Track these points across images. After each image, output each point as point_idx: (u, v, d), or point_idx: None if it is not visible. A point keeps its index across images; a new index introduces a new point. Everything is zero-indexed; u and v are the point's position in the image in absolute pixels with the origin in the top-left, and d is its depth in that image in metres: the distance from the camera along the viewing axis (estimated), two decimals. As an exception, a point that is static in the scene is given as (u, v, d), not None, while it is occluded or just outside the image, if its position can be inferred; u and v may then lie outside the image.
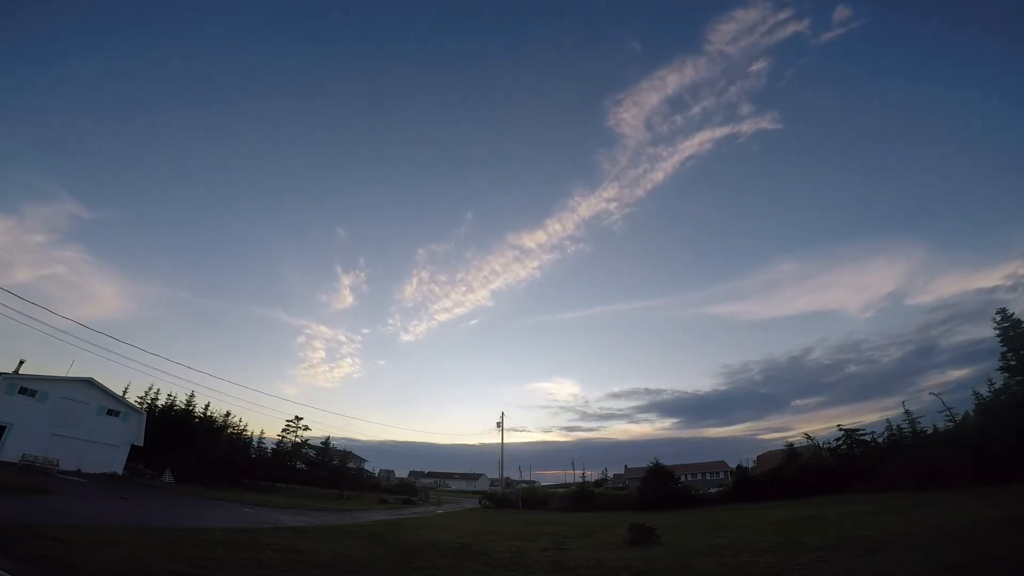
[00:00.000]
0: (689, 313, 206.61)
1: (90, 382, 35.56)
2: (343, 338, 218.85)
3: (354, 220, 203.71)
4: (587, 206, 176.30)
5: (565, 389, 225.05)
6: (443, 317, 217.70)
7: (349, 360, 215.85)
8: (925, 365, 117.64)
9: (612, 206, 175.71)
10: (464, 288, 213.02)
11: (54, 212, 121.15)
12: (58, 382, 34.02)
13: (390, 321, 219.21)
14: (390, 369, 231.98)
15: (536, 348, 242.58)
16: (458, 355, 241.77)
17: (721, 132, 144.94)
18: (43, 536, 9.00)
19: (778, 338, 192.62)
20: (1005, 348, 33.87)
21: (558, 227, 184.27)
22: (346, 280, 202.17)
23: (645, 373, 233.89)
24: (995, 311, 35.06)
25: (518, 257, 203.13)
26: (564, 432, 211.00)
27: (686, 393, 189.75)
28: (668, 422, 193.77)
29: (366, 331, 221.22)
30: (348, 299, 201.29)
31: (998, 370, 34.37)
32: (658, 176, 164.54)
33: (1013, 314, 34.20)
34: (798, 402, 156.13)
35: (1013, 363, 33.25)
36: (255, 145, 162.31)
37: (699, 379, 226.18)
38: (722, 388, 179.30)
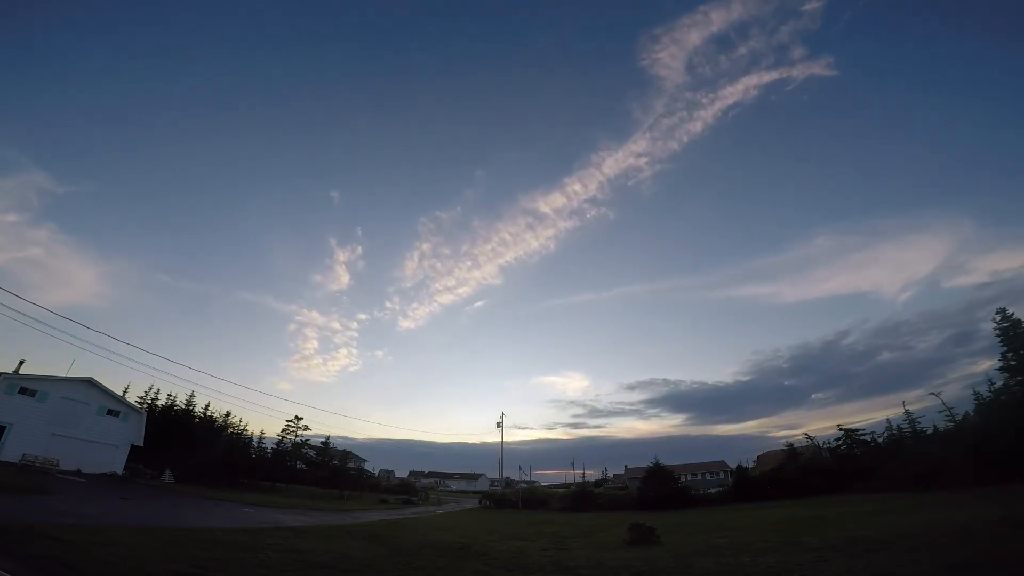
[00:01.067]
0: (714, 296, 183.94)
1: (90, 382, 35.54)
2: (337, 325, 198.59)
3: (350, 182, 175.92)
4: (613, 162, 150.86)
5: (573, 384, 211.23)
6: (446, 299, 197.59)
7: (344, 351, 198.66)
8: (960, 353, 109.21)
9: (642, 162, 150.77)
10: (469, 263, 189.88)
11: (22, 185, 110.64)
12: (58, 382, 34.00)
13: (388, 304, 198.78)
14: (388, 362, 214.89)
15: (545, 337, 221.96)
16: (460, 345, 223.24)
17: (769, 77, 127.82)
18: (43, 536, 8.99)
19: (807, 324, 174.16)
20: (1005, 348, 33.87)
21: (578, 188, 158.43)
22: (341, 255, 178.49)
23: (664, 363, 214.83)
24: (995, 311, 35.11)
25: (531, 225, 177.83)
26: (569, 429, 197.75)
27: (706, 385, 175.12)
28: (679, 418, 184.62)
29: (362, 317, 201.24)
30: (343, 278, 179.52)
31: (998, 370, 34.39)
32: (696, 127, 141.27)
33: (1013, 314, 34.20)
34: (818, 395, 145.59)
35: (1013, 363, 33.24)
36: (237, 101, 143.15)
37: (723, 368, 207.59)
38: (744, 379, 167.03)
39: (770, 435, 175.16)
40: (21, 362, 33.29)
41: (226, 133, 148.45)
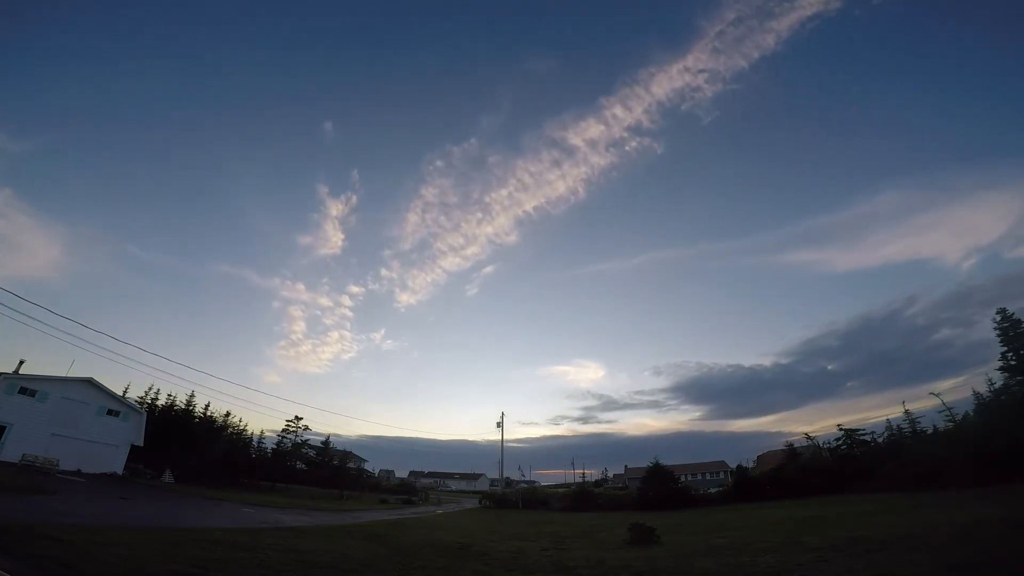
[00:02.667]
0: (757, 263, 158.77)
1: (90, 382, 35.55)
2: (326, 301, 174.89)
3: (348, 109, 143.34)
4: (666, 79, 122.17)
5: (587, 374, 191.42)
6: (451, 263, 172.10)
7: (336, 334, 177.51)
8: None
9: (701, 80, 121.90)
10: (480, 215, 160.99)
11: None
12: (58, 382, 34.00)
13: (384, 273, 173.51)
14: (385, 349, 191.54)
15: (560, 316, 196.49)
16: (465, 326, 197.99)
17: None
18: (43, 536, 8.99)
19: (858, 296, 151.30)
20: (1005, 348, 33.89)
21: (620, 112, 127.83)
22: (333, 208, 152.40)
23: (696, 344, 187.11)
24: (996, 310, 35.12)
25: (557, 161, 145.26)
26: (578, 424, 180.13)
27: (741, 368, 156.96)
28: (699, 410, 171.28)
29: (355, 290, 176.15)
30: (335, 239, 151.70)
31: (998, 370, 34.42)
32: (767, 41, 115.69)
33: (1013, 314, 34.23)
34: (852, 383, 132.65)
35: (1013, 363, 33.26)
36: (208, 19, 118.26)
37: (763, 348, 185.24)
38: (784, 362, 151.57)
39: (788, 429, 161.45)
40: (21, 362, 33.34)
41: (192, 56, 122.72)
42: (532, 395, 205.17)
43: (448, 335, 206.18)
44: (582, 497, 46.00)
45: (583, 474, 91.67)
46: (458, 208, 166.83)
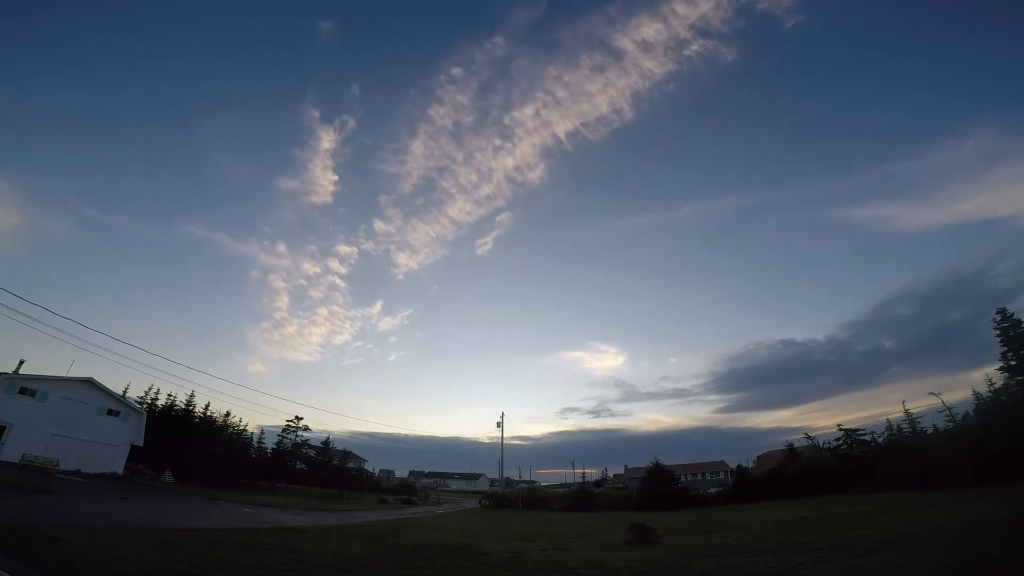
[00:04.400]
0: (819, 216, 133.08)
1: (90, 382, 35.56)
2: (313, 267, 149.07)
3: (347, 3, 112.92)
4: None
5: (604, 361, 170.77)
6: (460, 211, 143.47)
7: (324, 310, 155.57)
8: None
9: None
10: (498, 140, 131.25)
11: None
12: (58, 382, 34.01)
13: (381, 227, 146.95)
14: (380, 334, 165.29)
15: (580, 288, 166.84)
16: (473, 299, 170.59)
17: None
18: (43, 536, 9.00)
19: (928, 258, 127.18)
20: (1005, 348, 33.88)
21: (682, 7, 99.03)
22: (325, 138, 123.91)
23: (741, 317, 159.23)
24: (995, 311, 35.11)
25: (600, 67, 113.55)
26: (590, 417, 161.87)
27: (792, 344, 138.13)
28: (724, 401, 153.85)
29: (347, 250, 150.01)
30: (325, 183, 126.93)
31: (998, 370, 34.39)
32: None
33: (1013, 314, 34.22)
34: (898, 368, 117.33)
35: (1013, 363, 33.24)
36: None
37: (819, 321, 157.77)
38: (840, 337, 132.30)
39: (810, 423, 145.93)
40: (21, 362, 33.36)
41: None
42: (540, 385, 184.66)
43: (454, 308, 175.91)
44: (582, 497, 46.05)
45: (583, 474, 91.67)
46: (472, 132, 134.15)
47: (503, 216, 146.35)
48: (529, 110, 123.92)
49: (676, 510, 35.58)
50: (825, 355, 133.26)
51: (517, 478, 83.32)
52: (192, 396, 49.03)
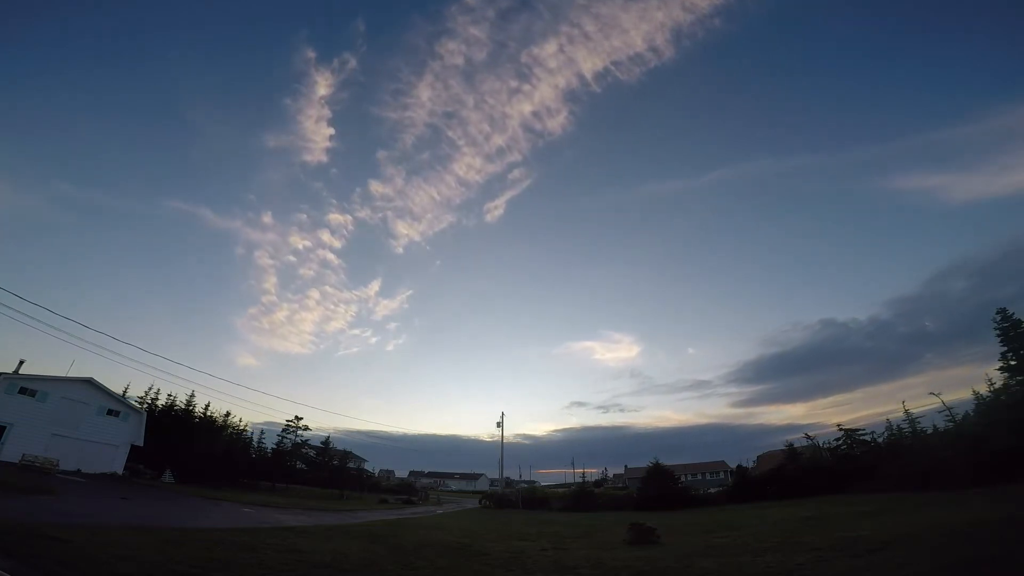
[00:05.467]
0: (860, 185, 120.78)
1: (90, 382, 35.56)
2: (302, 239, 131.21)
3: None
4: None
5: (617, 352, 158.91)
6: (468, 168, 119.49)
7: (316, 292, 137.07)
8: None
9: None
10: (514, 82, 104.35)
11: None
12: (58, 382, 34.02)
13: (378, 189, 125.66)
14: (377, 322, 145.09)
15: (594, 265, 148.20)
16: (479, 280, 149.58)
17: None
18: (43, 536, 9.00)
19: (982, 229, 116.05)
20: (1005, 348, 33.92)
21: None
22: (321, 83, 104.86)
23: (776, 294, 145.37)
24: (995, 311, 35.15)
25: None
26: (600, 412, 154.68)
27: (833, 324, 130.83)
28: (743, 393, 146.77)
29: (340, 219, 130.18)
30: (319, 137, 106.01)
31: (998, 370, 34.43)
32: None
33: (1013, 314, 34.26)
34: (930, 356, 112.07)
35: (1013, 363, 33.28)
36: None
37: (859, 298, 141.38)
38: (883, 317, 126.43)
39: (825, 420, 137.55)
40: (21, 362, 33.37)
41: None
42: (547, 379, 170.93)
43: (457, 289, 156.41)
44: (582, 497, 46.05)
45: (583, 473, 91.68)
46: (486, 70, 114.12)
47: (517, 173, 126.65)
48: (551, 46, 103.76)
49: (676, 510, 35.57)
50: (862, 339, 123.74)
51: (517, 478, 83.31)
52: (192, 396, 49.18)
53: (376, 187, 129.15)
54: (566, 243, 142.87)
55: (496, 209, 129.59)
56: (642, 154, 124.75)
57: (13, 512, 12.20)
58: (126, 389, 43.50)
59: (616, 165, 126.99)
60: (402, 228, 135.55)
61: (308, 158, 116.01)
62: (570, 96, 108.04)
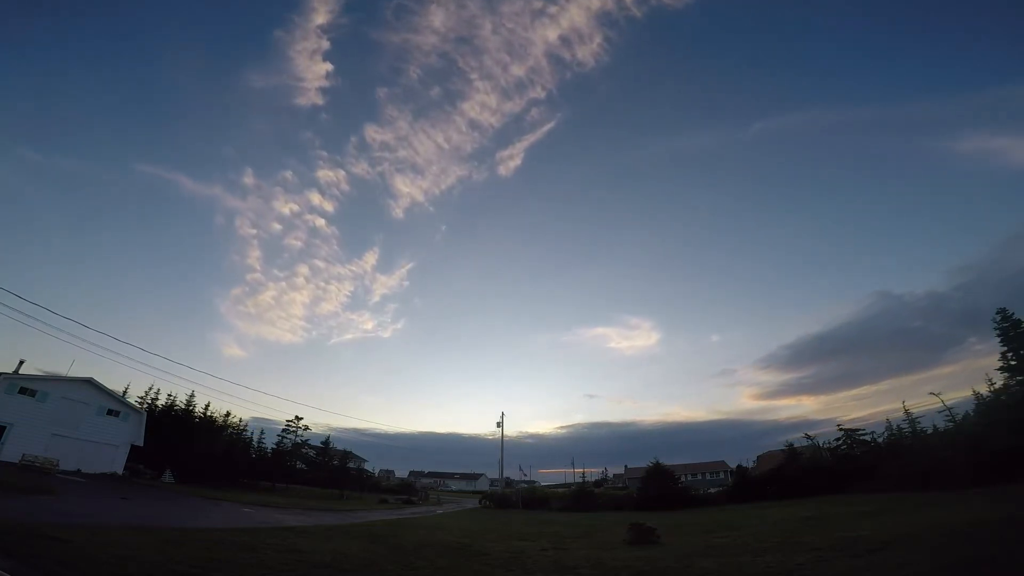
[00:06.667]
0: (912, 144, 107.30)
1: (90, 382, 35.57)
2: (288, 203, 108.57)
3: None
4: None
5: (634, 341, 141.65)
6: (481, 106, 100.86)
7: (305, 267, 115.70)
8: None
9: None
10: (540, 1, 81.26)
11: None
12: (58, 382, 34.05)
13: (376, 136, 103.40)
14: (375, 304, 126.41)
15: (611, 241, 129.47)
16: (487, 242, 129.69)
17: None
18: (43, 536, 9.00)
19: None
20: (1005, 348, 33.95)
21: None
22: (320, 7, 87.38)
23: (824, 270, 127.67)
24: (995, 311, 35.18)
25: None
26: (612, 405, 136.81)
27: (887, 297, 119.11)
28: (770, 385, 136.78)
29: (332, 176, 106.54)
30: (314, 75, 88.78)
31: (998, 370, 34.46)
32: None
33: (1013, 314, 34.30)
34: (973, 339, 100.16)
35: (1013, 363, 33.30)
36: None
37: (939, 261, 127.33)
38: (940, 290, 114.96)
39: (843, 415, 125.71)
40: (21, 362, 33.44)
41: None
42: (555, 371, 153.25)
43: (463, 264, 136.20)
44: (582, 497, 46.04)
45: (583, 473, 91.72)
46: None
47: (538, 114, 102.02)
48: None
49: (676, 510, 35.56)
50: (910, 317, 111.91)
51: (518, 478, 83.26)
52: (192, 396, 49.24)
53: (374, 133, 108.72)
54: (588, 206, 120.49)
55: (512, 159, 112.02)
56: (693, 94, 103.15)
57: (13, 512, 12.20)
58: (126, 389, 43.61)
59: (659, 107, 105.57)
60: (403, 185, 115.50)
61: (300, 101, 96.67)
62: (606, 19, 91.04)
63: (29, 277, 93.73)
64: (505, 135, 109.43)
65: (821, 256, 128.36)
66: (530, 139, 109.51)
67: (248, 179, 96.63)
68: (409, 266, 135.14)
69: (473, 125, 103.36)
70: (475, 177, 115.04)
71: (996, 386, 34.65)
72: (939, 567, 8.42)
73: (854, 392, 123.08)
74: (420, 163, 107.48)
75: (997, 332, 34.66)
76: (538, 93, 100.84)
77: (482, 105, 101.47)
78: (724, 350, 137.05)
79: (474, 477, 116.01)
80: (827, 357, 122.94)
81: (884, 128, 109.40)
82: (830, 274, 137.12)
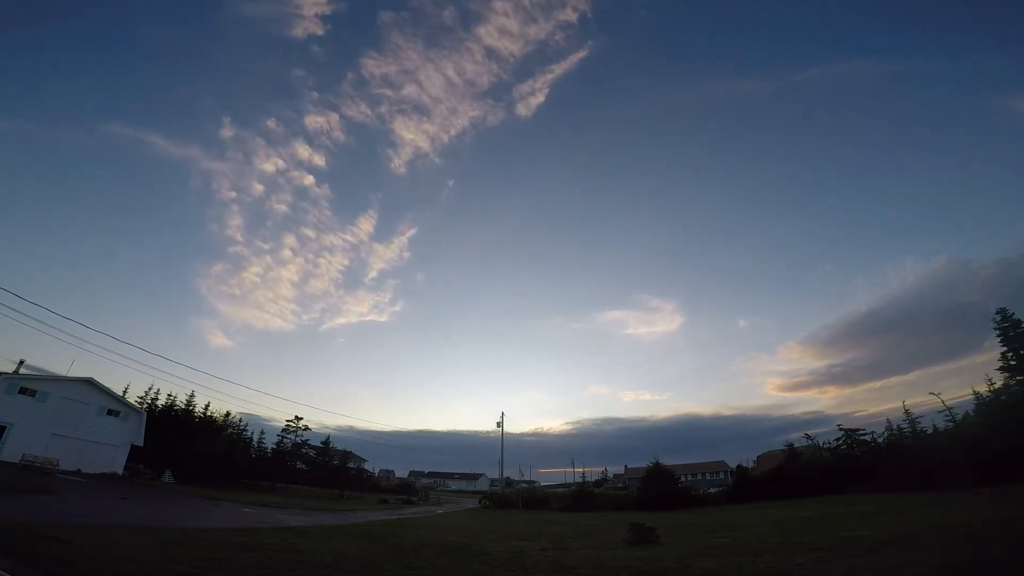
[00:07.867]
0: (980, 101, 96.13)
1: (90, 382, 35.57)
2: (271, 160, 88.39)
3: None
4: None
5: (656, 324, 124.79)
6: (501, 30, 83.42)
7: (292, 237, 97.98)
8: None
9: None
10: None
11: None
12: (58, 382, 34.05)
13: (374, 67, 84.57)
14: (371, 283, 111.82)
15: (625, 213, 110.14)
16: (499, 195, 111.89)
17: None
18: (43, 536, 9.00)
19: None
20: (1005, 348, 33.96)
21: None
22: None
23: (876, 233, 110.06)
24: (996, 311, 35.20)
25: None
26: (628, 395, 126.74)
27: (957, 260, 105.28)
28: (814, 370, 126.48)
29: (321, 122, 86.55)
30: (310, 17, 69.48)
31: (998, 370, 34.47)
32: None
33: (1013, 314, 34.31)
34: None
35: (1013, 363, 33.31)
36: None
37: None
38: (1011, 258, 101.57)
39: (851, 413, 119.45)
40: (21, 362, 33.44)
41: None
42: (564, 363, 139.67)
43: (474, 231, 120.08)
44: (582, 497, 46.05)
45: (583, 473, 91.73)
46: None
47: (565, 40, 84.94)
48: None
49: (676, 510, 35.56)
50: (969, 289, 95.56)
51: (518, 478, 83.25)
52: (192, 396, 49.24)
53: (374, 66, 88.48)
54: (618, 157, 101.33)
55: (534, 96, 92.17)
56: (743, 26, 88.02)
57: (13, 512, 12.20)
58: (126, 389, 43.59)
59: (708, 37, 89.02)
60: (406, 131, 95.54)
61: (294, 32, 77.62)
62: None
63: (21, 274, 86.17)
64: (527, 66, 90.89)
65: (881, 219, 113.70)
66: (557, 70, 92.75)
67: (226, 131, 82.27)
68: (411, 232, 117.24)
69: (490, 53, 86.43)
70: (490, 119, 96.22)
71: (996, 386, 34.69)
72: (939, 567, 8.42)
73: (878, 384, 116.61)
74: (426, 102, 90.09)
75: (997, 332, 34.67)
76: (568, 16, 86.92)
77: (502, 30, 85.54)
78: (752, 337, 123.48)
79: (474, 477, 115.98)
80: (871, 336, 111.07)
81: (944, 80, 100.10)
82: (889, 240, 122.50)
